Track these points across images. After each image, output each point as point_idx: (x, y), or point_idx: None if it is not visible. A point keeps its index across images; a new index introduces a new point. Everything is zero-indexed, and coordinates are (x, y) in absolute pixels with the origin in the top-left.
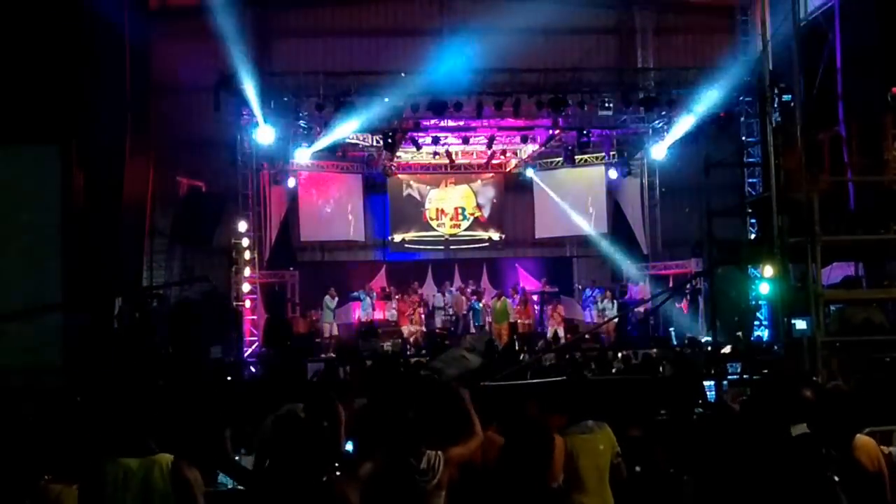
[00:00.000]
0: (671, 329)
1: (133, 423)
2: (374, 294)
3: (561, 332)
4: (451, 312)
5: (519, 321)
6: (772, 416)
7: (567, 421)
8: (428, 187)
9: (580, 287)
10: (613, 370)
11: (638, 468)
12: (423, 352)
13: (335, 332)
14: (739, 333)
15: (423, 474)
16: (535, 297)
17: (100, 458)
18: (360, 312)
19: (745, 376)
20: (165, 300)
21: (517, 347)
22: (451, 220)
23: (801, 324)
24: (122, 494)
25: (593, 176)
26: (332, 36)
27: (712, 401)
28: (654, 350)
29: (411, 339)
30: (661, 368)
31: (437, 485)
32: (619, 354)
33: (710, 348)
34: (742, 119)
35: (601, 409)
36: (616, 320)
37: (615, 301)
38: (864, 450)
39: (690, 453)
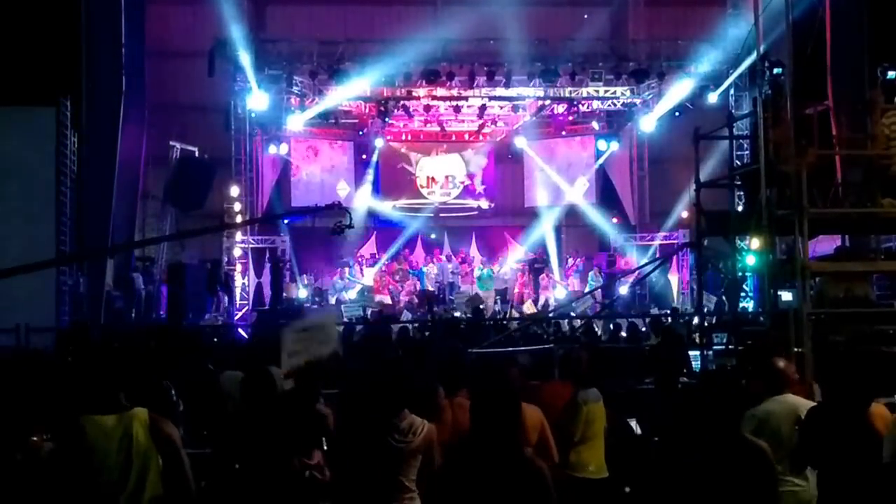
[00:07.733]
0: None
1: (105, 380)
2: (364, 260)
3: (551, 301)
4: (439, 279)
5: (517, 291)
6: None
7: (577, 389)
8: (419, 155)
9: (568, 257)
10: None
11: None
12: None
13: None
14: (725, 304)
15: (403, 433)
16: (522, 266)
17: (76, 417)
18: None
19: (730, 347)
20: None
21: (509, 314)
22: (442, 187)
23: (787, 296)
24: (104, 451)
25: (583, 146)
26: (327, 3)
27: (697, 370)
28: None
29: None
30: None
31: (413, 449)
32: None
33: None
34: (731, 91)
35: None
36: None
37: (601, 273)
38: (880, 417)
39: (674, 421)
